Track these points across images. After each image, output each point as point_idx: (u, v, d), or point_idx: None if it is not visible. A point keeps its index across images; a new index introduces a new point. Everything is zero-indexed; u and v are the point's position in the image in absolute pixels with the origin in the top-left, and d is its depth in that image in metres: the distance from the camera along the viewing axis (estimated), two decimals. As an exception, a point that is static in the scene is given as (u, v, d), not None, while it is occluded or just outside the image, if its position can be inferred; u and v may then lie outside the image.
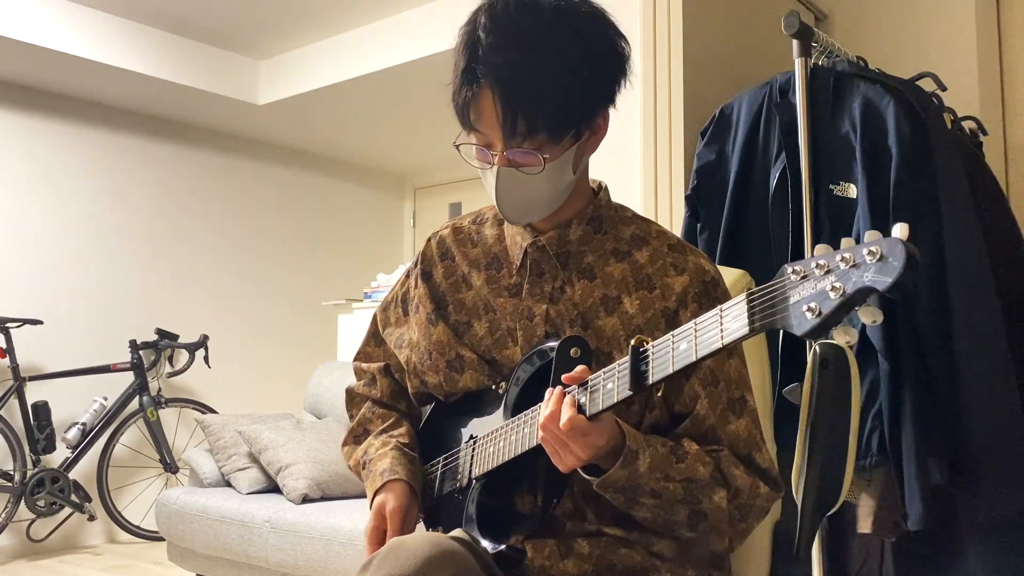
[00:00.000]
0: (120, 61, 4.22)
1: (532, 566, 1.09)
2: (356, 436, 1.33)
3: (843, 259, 0.76)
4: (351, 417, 1.36)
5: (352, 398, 1.38)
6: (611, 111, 1.14)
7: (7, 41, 3.89)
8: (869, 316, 0.76)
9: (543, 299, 1.16)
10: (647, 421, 1.12)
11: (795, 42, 1.93)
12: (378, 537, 1.17)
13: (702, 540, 1.11)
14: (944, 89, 2.12)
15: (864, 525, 1.88)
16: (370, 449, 1.28)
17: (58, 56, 4.07)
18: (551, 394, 1.00)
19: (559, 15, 1.07)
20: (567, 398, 0.98)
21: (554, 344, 1.08)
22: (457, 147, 1.14)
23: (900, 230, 0.74)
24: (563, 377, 1.01)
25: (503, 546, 1.06)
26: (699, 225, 2.17)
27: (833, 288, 0.76)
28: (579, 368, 1.01)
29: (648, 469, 1.01)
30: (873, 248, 0.73)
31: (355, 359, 1.40)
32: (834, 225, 1.91)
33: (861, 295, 0.74)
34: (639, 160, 2.40)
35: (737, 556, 1.29)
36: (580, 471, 1.03)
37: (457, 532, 1.08)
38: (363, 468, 1.28)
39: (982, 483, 1.78)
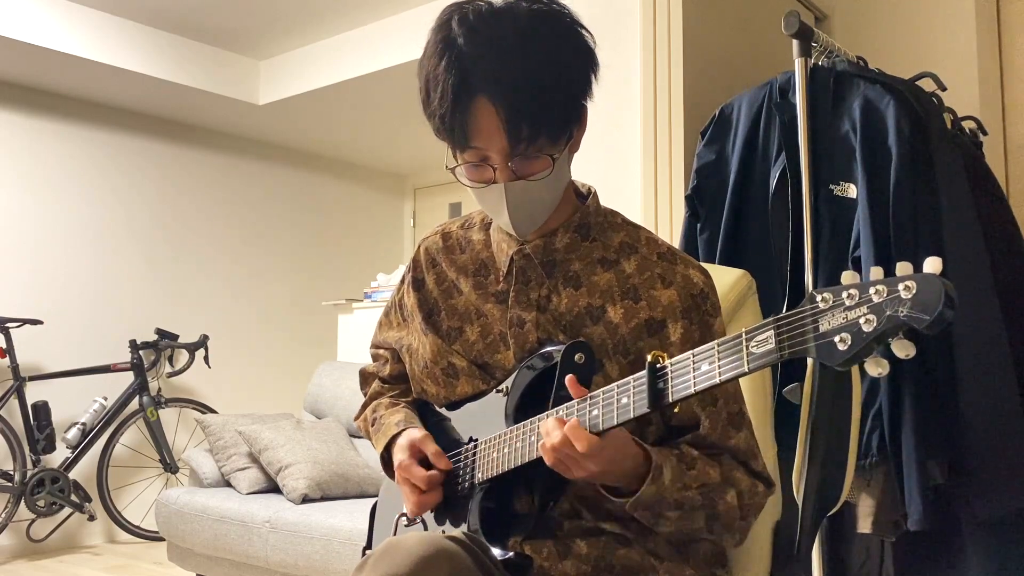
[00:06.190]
0: (120, 61, 4.22)
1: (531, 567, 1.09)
2: (367, 406, 1.38)
3: (876, 291, 0.74)
4: (364, 394, 1.41)
5: (365, 377, 1.43)
6: (590, 105, 1.13)
7: (7, 41, 3.89)
8: (903, 350, 0.74)
9: (530, 307, 1.16)
10: (648, 434, 1.12)
11: (795, 42, 1.93)
12: (415, 460, 1.17)
13: (716, 541, 1.13)
14: (944, 89, 2.11)
15: (864, 525, 1.88)
16: (379, 408, 1.32)
17: (58, 56, 4.07)
18: (551, 421, 0.99)
19: (534, 16, 1.06)
20: (571, 422, 0.97)
21: (558, 348, 1.08)
22: (453, 170, 1.11)
23: (933, 264, 0.72)
24: (570, 386, 1.01)
25: (511, 553, 1.06)
26: (699, 225, 2.17)
27: (867, 320, 0.74)
28: (569, 378, 1.01)
29: (670, 481, 1.02)
30: (909, 283, 0.72)
31: (371, 346, 1.43)
32: (834, 225, 1.91)
33: (895, 329, 0.73)
34: (639, 160, 2.40)
35: (737, 556, 1.29)
36: (609, 496, 1.03)
37: (454, 532, 1.08)
38: (372, 425, 1.31)
39: (982, 483, 1.78)
